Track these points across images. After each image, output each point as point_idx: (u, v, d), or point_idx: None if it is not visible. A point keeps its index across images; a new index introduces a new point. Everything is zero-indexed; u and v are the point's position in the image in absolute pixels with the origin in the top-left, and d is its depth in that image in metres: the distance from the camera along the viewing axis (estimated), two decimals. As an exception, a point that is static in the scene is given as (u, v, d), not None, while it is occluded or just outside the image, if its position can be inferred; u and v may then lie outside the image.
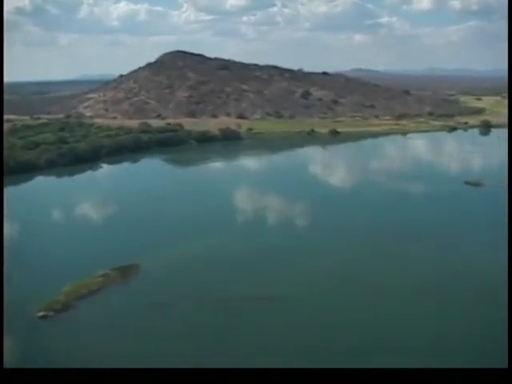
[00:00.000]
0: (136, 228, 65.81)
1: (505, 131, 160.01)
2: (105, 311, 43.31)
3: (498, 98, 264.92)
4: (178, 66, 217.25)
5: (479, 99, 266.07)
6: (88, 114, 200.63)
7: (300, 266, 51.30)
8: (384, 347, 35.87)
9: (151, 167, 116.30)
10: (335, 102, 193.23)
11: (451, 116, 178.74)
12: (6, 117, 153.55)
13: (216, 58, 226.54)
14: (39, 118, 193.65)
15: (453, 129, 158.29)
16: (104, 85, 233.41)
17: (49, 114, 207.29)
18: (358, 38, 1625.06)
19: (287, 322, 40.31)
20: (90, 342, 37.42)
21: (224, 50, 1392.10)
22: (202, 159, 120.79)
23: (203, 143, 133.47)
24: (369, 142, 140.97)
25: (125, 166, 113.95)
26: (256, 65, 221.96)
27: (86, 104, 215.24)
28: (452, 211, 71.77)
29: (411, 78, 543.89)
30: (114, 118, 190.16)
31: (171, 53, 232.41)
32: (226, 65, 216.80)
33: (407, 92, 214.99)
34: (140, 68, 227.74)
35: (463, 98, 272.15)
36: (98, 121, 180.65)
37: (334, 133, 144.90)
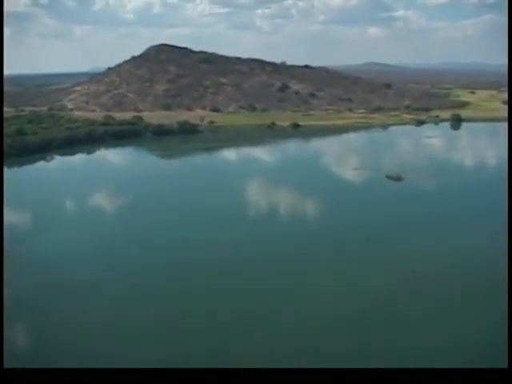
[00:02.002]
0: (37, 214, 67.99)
1: (478, 125, 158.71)
2: None
3: (494, 92, 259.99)
4: (161, 59, 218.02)
5: (473, 93, 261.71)
6: (70, 107, 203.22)
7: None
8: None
9: (95, 160, 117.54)
10: (312, 95, 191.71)
11: (427, 110, 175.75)
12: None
13: (200, 52, 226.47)
14: (23, 111, 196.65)
15: (421, 122, 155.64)
16: (91, 78, 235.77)
17: (34, 106, 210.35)
18: (373, 31, 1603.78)
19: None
20: None
21: (238, 43, 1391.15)
22: (149, 150, 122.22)
23: (159, 136, 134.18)
24: (320, 136, 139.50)
25: (68, 159, 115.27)
26: (238, 58, 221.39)
27: (71, 96, 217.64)
28: (357, 206, 71.44)
29: (422, 71, 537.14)
30: (93, 110, 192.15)
31: (157, 46, 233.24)
32: (207, 58, 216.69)
33: (388, 85, 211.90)
34: (125, 61, 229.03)
35: (458, 92, 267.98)
36: (78, 113, 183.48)
37: (295, 126, 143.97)
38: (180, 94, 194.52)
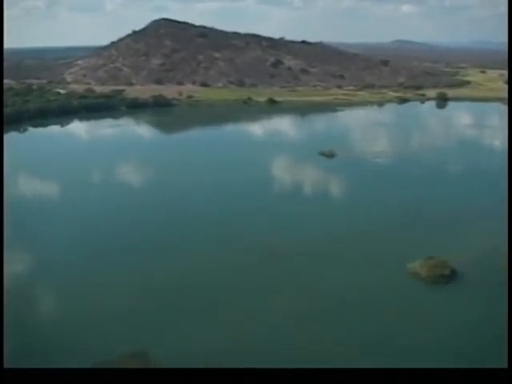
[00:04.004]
0: None
1: (464, 104, 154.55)
2: None
3: (504, 72, 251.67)
4: (160, 33, 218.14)
5: (483, 72, 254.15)
6: (69, 80, 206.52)
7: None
8: None
9: (63, 131, 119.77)
10: (304, 71, 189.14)
11: (419, 88, 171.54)
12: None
13: (199, 26, 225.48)
14: (24, 83, 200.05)
15: (404, 100, 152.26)
16: (94, 52, 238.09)
17: (38, 79, 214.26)
18: (406, 8, 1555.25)
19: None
20: None
21: (268, 18, 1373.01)
22: (116, 122, 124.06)
23: (132, 109, 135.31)
24: (288, 112, 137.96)
25: (40, 130, 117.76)
26: (236, 33, 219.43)
27: (71, 70, 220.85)
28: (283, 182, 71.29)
29: (448, 50, 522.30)
30: (88, 84, 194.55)
31: (157, 20, 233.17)
32: (205, 33, 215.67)
33: (385, 62, 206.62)
34: (127, 35, 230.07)
35: (468, 71, 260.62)
36: (73, 86, 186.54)
37: (271, 102, 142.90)
38: (173, 69, 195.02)
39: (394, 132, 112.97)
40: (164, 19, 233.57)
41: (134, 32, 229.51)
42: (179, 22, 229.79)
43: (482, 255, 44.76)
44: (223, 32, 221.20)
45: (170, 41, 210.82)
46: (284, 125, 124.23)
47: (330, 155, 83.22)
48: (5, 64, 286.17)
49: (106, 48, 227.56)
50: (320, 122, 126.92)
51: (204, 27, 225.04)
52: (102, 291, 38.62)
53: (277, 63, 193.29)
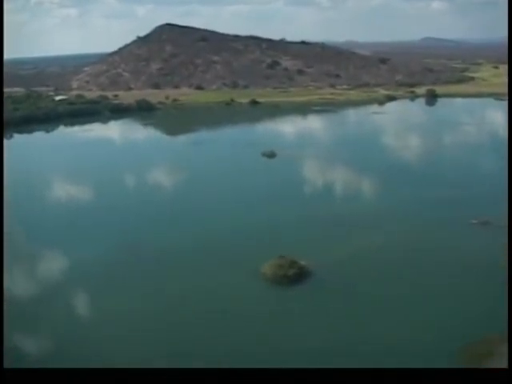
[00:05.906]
0: None
1: (457, 100, 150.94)
2: None
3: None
4: (161, 39, 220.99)
5: (496, 67, 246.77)
6: (74, 86, 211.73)
7: None
8: None
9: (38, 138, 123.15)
10: (300, 71, 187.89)
11: (413, 85, 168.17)
12: (8, 90, 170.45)
13: (201, 30, 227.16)
14: (31, 91, 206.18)
15: (392, 98, 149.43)
16: (101, 59, 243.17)
17: (47, 86, 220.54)
18: (436, 5, 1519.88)
19: None
20: None
21: (298, 20, 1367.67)
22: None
23: (116, 114, 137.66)
24: (263, 113, 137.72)
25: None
26: (236, 35, 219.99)
27: (78, 77, 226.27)
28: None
29: (477, 46, 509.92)
30: (90, 90, 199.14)
31: (161, 26, 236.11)
32: (206, 36, 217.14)
33: (383, 61, 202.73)
34: (132, 42, 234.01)
35: (480, 67, 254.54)
36: (75, 93, 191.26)
37: (253, 103, 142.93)
38: (171, 73, 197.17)
39: (349, 131, 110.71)
40: (168, 24, 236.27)
41: (139, 38, 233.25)
42: (182, 27, 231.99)
43: (351, 258, 43.63)
44: (223, 35, 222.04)
45: (170, 46, 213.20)
46: (249, 125, 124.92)
47: (271, 155, 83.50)
48: (29, 72, 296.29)
49: (111, 54, 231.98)
50: (282, 123, 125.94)
51: (206, 31, 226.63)
52: None
53: (273, 64, 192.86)
